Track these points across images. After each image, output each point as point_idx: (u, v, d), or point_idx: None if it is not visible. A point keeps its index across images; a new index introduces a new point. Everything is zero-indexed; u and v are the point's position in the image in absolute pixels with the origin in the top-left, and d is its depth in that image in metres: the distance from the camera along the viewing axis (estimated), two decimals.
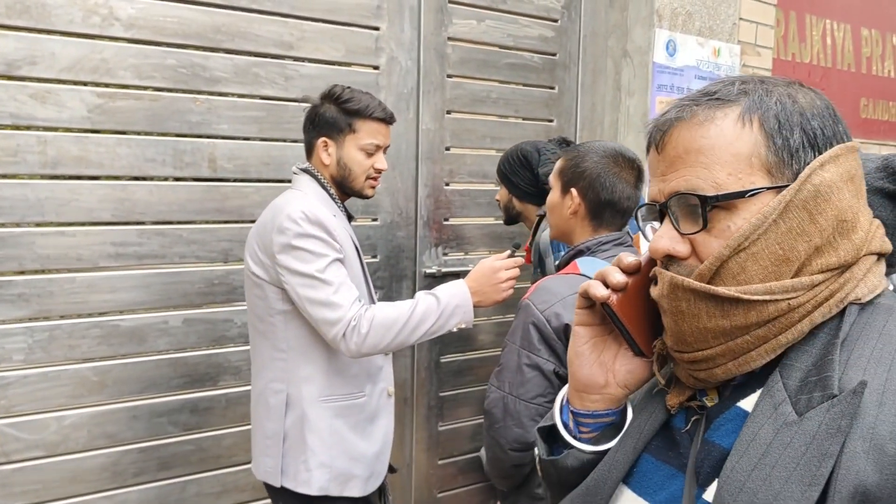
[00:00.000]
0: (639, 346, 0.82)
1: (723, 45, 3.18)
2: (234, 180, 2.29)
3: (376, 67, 2.52)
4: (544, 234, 2.23)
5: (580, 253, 1.63)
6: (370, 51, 2.50)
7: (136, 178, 2.13)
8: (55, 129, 2.01)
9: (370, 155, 1.90)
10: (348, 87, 1.90)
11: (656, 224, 0.80)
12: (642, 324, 0.81)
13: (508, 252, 1.95)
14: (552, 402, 1.55)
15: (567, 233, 1.70)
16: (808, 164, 0.71)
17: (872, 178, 0.82)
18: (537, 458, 0.92)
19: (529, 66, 2.89)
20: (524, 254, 2.37)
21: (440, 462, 2.83)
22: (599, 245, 1.61)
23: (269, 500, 1.97)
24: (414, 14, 2.58)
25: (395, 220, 2.62)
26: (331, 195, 1.90)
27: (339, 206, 1.91)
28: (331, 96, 1.90)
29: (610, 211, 1.63)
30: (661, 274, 0.75)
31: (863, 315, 0.71)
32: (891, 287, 0.77)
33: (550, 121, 2.95)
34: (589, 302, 0.84)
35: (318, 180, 1.89)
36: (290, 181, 1.97)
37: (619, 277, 0.80)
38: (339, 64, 2.45)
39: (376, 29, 2.51)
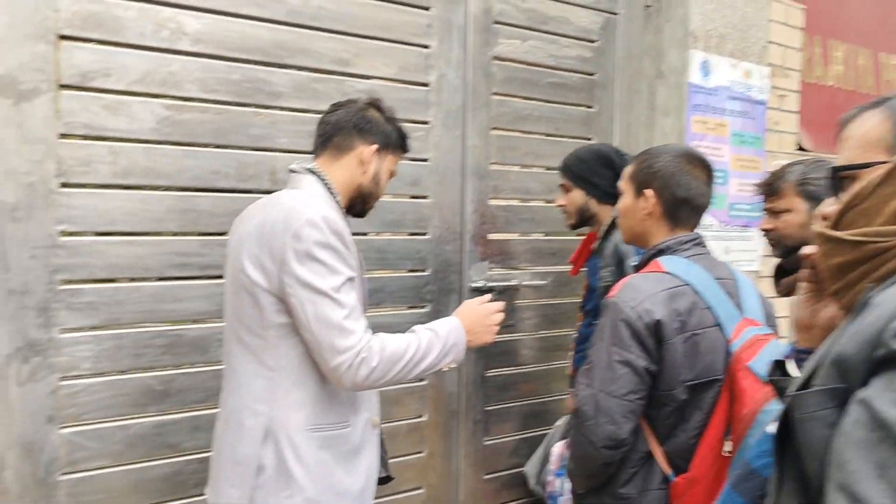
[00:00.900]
0: None
1: (753, 66, 3.25)
2: None
3: (426, 84, 2.58)
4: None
5: (661, 252, 1.66)
6: (420, 68, 2.56)
7: (201, 190, 2.16)
8: (126, 140, 2.04)
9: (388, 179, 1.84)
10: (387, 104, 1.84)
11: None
12: None
13: (490, 296, 1.85)
14: (643, 398, 1.58)
15: (642, 234, 1.74)
16: None
17: None
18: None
19: (569, 85, 2.95)
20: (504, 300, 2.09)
21: (485, 477, 2.82)
22: (680, 244, 1.65)
23: None
24: (461, 33, 2.65)
25: (444, 235, 2.65)
26: (338, 202, 1.72)
27: (343, 218, 1.72)
28: (376, 106, 1.79)
29: (686, 208, 1.67)
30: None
31: None
32: None
33: (589, 139, 3.01)
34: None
35: (326, 185, 1.72)
36: None
37: None
38: (392, 80, 2.50)
39: (426, 47, 2.57)
